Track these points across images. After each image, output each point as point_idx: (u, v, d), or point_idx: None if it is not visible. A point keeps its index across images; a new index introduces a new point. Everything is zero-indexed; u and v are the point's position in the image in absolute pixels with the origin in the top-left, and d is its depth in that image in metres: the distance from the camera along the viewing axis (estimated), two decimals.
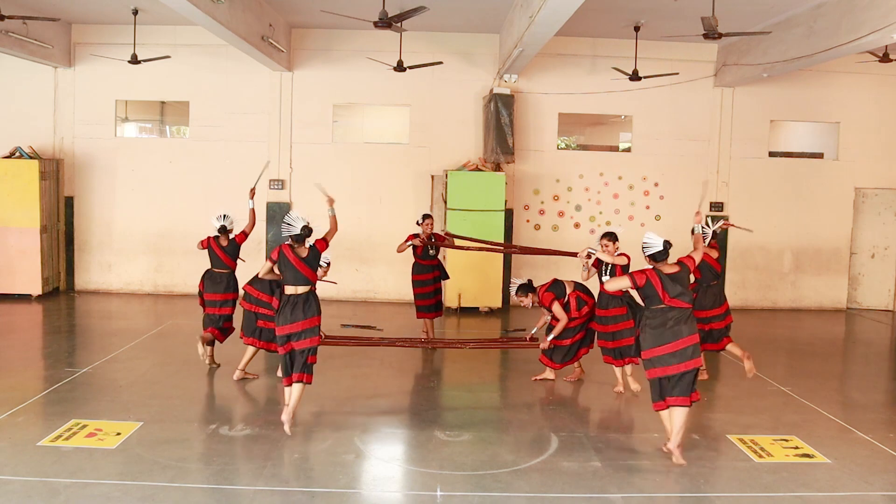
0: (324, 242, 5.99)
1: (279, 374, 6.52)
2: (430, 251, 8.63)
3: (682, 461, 5.34)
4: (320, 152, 11.95)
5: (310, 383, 5.82)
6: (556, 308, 7.02)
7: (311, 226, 5.88)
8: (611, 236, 6.99)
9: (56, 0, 10.26)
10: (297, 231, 5.81)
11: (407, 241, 8.45)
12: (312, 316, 5.79)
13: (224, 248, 7.71)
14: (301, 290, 5.81)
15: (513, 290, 7.35)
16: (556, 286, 7.14)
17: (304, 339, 5.75)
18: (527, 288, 7.27)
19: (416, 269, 8.65)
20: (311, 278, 5.86)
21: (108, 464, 5.10)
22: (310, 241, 5.92)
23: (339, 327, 9.38)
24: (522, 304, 7.29)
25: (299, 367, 5.76)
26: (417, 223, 8.57)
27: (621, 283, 5.72)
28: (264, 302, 6.88)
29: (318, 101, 11.92)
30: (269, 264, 6.08)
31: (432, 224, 8.58)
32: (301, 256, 5.83)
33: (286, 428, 5.67)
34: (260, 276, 6.56)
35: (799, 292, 12.38)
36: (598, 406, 6.81)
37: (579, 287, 7.18)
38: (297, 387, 5.76)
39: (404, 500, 4.83)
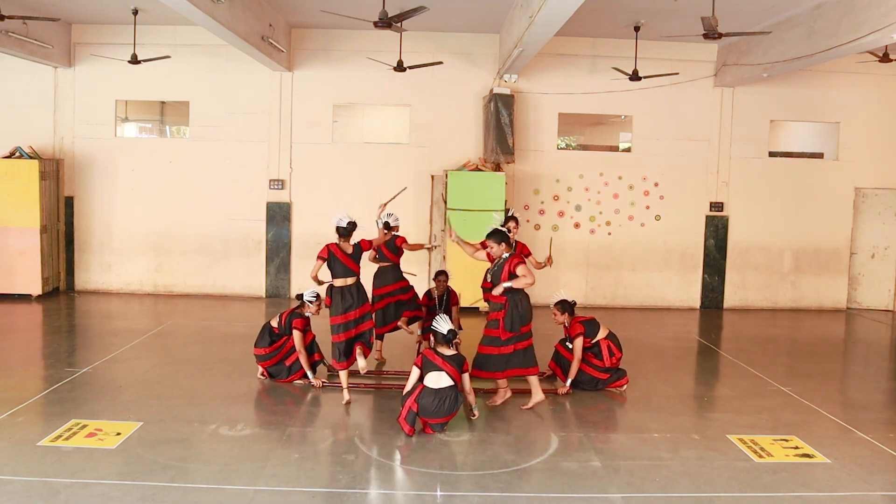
0: (368, 242, 6.78)
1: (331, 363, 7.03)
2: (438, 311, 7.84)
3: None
4: (320, 152, 11.96)
5: (367, 355, 6.81)
6: (578, 342, 7.04)
7: (356, 221, 6.73)
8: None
9: (56, 0, 10.26)
10: (344, 225, 6.63)
11: (420, 303, 8.02)
12: (364, 303, 6.71)
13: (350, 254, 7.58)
14: (350, 281, 6.64)
15: (554, 299, 7.35)
16: (590, 324, 7.15)
17: (364, 323, 6.71)
18: (566, 307, 7.27)
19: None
20: (357, 270, 6.68)
21: (108, 464, 5.10)
22: (354, 239, 6.72)
23: None
24: (554, 318, 7.30)
25: (366, 342, 6.75)
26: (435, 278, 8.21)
27: (530, 279, 6.35)
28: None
29: (318, 101, 11.93)
30: (319, 263, 6.61)
31: (446, 282, 8.10)
32: (347, 252, 6.64)
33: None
34: (311, 275, 6.67)
35: (799, 292, 12.39)
36: (598, 406, 6.81)
37: (611, 337, 7.19)
38: (361, 357, 6.66)
39: (404, 500, 4.83)
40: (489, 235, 6.52)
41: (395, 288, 7.77)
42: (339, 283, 6.64)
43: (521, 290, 6.42)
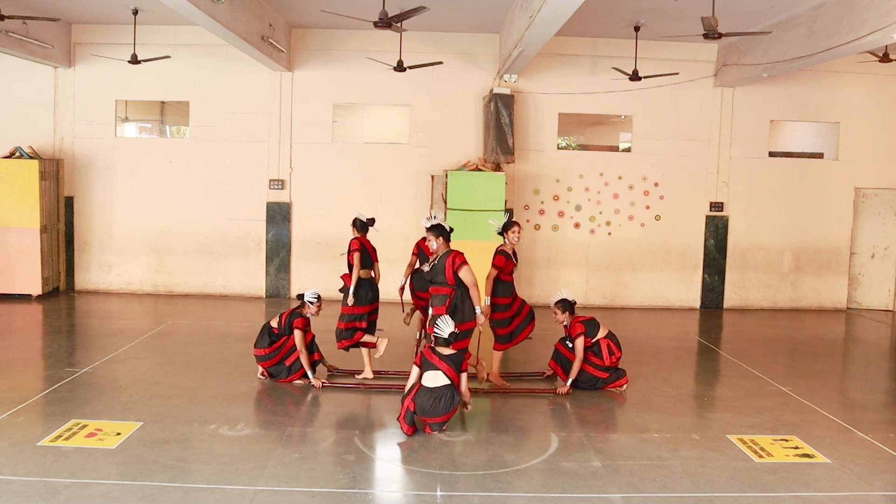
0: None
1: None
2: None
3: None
4: (320, 152, 11.96)
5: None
6: (579, 342, 7.05)
7: (374, 218, 7.45)
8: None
9: (56, 0, 10.26)
10: (364, 220, 7.24)
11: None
12: (377, 299, 7.34)
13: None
14: (371, 273, 7.25)
15: (554, 298, 7.38)
16: (591, 324, 7.16)
17: (373, 315, 7.33)
18: (567, 306, 7.30)
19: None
20: (376, 262, 7.35)
21: (108, 464, 5.10)
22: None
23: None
24: (555, 318, 7.35)
25: (371, 333, 7.31)
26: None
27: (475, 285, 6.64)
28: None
29: (318, 101, 11.93)
30: (359, 255, 7.09)
31: None
32: (371, 245, 7.29)
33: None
34: (356, 271, 7.11)
35: (799, 292, 12.38)
36: (598, 406, 6.81)
37: (611, 336, 7.19)
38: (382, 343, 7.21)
39: (404, 500, 4.83)
40: (430, 228, 6.65)
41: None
42: (364, 273, 7.16)
43: (465, 288, 6.51)
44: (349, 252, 7.16)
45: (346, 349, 7.33)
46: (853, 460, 5.56)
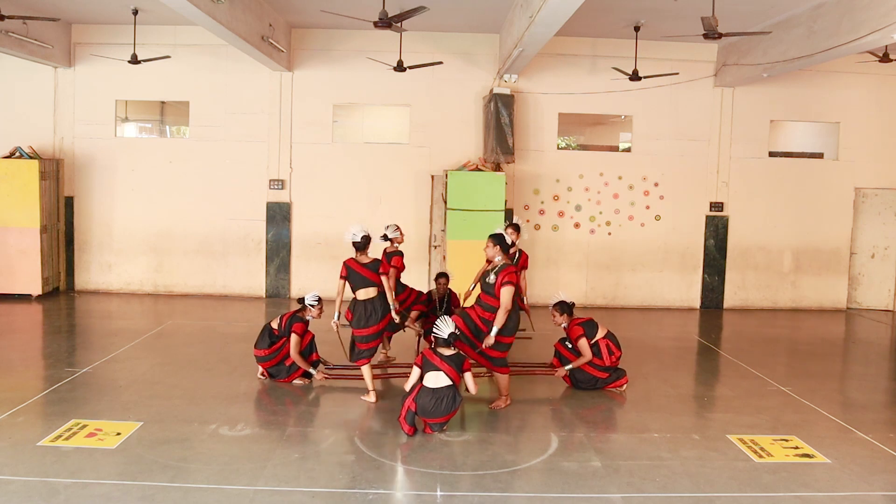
0: (387, 265, 7.18)
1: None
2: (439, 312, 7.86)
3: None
4: (320, 152, 11.96)
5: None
6: (582, 344, 7.07)
7: (370, 234, 6.80)
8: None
9: (56, 0, 10.26)
10: (358, 240, 6.71)
11: (415, 310, 7.92)
12: (385, 316, 6.76)
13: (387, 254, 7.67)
14: (372, 293, 6.68)
15: (553, 300, 7.40)
16: (589, 325, 7.16)
17: (385, 332, 7.00)
18: (565, 308, 7.32)
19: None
20: (377, 281, 6.72)
21: (108, 464, 5.10)
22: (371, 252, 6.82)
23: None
24: (553, 319, 7.36)
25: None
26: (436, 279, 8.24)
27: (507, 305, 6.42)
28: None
29: (318, 101, 11.93)
30: (342, 283, 6.71)
31: (447, 284, 8.15)
32: (364, 264, 6.72)
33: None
34: (337, 296, 6.76)
35: (799, 292, 12.39)
36: (598, 406, 6.81)
37: (610, 336, 7.18)
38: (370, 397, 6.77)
39: (404, 500, 4.83)
40: (489, 237, 6.58)
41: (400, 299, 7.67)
42: (361, 295, 6.68)
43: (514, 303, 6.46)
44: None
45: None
46: (853, 460, 5.56)
